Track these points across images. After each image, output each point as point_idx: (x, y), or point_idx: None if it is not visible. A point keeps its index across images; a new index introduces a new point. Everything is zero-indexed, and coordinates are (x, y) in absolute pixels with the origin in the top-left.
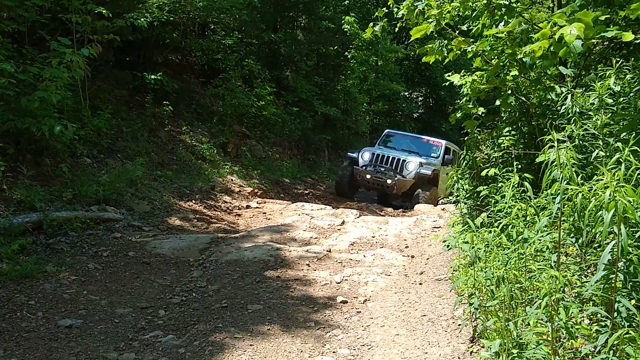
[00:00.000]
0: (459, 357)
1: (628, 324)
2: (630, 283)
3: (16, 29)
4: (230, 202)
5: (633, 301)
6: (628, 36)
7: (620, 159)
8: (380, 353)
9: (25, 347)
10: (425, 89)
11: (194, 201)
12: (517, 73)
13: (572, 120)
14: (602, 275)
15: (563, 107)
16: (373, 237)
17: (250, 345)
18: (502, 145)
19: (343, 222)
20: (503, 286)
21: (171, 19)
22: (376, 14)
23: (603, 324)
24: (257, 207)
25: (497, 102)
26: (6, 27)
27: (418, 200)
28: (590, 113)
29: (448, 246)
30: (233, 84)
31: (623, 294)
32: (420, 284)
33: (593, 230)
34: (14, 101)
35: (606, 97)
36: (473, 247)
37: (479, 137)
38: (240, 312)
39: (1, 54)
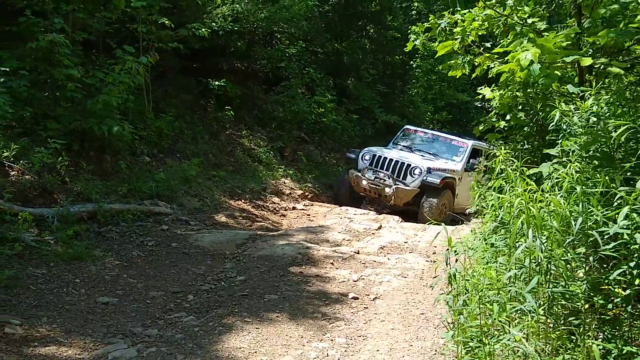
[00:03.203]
0: (435, 350)
1: (534, 317)
2: (545, 280)
3: (87, 37)
4: (278, 204)
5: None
6: (586, 61)
7: (566, 174)
8: (373, 343)
9: (65, 317)
10: None
11: (243, 200)
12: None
13: (560, 137)
14: (513, 274)
15: (551, 125)
16: (405, 242)
17: (257, 328)
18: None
19: (380, 227)
20: (454, 282)
21: (235, 28)
22: (417, 28)
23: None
24: (302, 209)
25: (507, 117)
26: (78, 36)
27: (423, 210)
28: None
29: (455, 252)
30: (294, 91)
31: (535, 291)
32: (432, 286)
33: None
34: (81, 103)
35: (591, 116)
36: (448, 250)
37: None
38: (257, 301)
39: (72, 61)
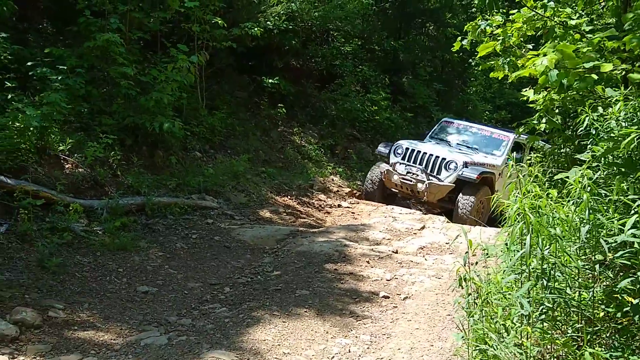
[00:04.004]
0: (454, 353)
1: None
2: (543, 283)
3: (142, 36)
4: (324, 201)
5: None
6: (606, 67)
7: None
8: (395, 342)
9: (105, 304)
10: None
11: (289, 197)
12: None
13: (589, 142)
14: (514, 278)
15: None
16: (447, 243)
17: (283, 322)
18: (529, 162)
19: (423, 227)
20: (464, 284)
21: (290, 27)
22: (465, 27)
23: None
24: (347, 207)
25: (543, 120)
26: (133, 35)
27: (459, 208)
28: (612, 134)
29: (487, 254)
30: (347, 89)
31: (529, 294)
32: (458, 288)
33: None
34: (135, 100)
35: (622, 121)
36: (467, 252)
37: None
38: (288, 295)
39: (127, 59)
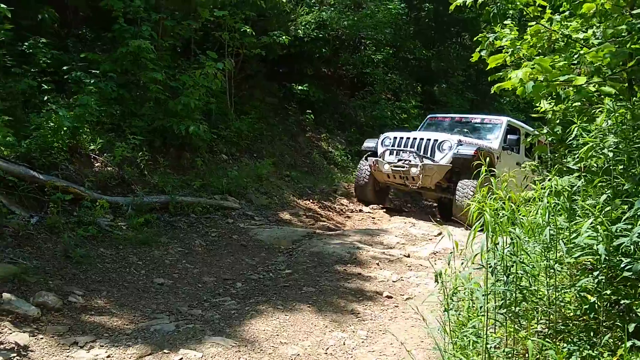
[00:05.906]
0: (434, 346)
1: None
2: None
3: (174, 44)
4: (346, 205)
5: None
6: (580, 80)
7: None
8: (389, 338)
9: (122, 293)
10: None
11: (311, 200)
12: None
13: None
14: (471, 272)
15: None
16: (461, 249)
17: (285, 315)
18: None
19: (439, 234)
20: (440, 279)
21: (320, 35)
22: (479, 37)
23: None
24: (369, 212)
25: (544, 130)
26: (165, 42)
27: (458, 195)
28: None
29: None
30: (377, 97)
31: (488, 291)
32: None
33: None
34: (164, 104)
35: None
36: (451, 252)
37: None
38: (294, 292)
39: (158, 64)
